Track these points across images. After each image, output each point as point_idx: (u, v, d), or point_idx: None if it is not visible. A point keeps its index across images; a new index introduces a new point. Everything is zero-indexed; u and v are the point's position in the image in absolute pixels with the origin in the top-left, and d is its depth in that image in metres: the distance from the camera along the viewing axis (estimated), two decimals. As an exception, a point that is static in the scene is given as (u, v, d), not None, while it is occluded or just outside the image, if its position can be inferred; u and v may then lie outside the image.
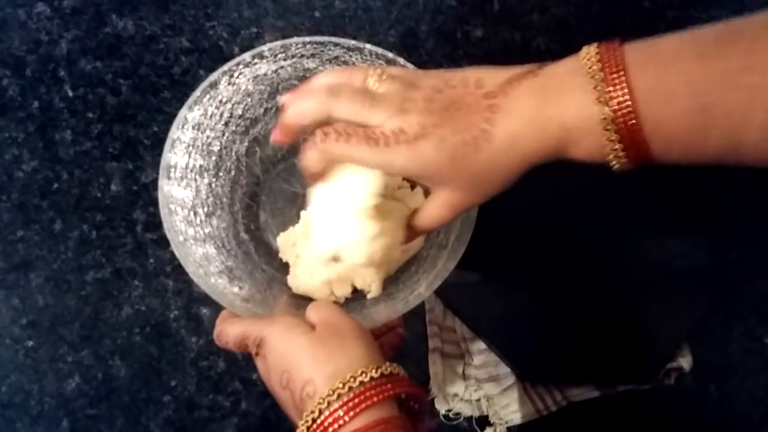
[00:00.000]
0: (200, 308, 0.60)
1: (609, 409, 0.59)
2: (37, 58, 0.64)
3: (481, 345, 0.60)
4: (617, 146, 0.34)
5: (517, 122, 0.36)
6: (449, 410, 0.59)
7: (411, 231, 0.44)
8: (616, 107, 0.33)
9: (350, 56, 0.54)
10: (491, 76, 0.38)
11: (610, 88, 0.33)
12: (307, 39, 0.53)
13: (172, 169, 0.51)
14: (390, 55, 0.53)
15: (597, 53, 0.35)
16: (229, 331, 0.44)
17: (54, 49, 0.65)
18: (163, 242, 0.61)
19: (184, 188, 0.52)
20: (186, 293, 0.60)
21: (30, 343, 0.59)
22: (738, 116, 0.32)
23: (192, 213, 0.53)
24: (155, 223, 0.61)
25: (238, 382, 0.59)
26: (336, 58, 0.54)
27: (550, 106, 0.35)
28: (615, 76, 0.33)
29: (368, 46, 0.53)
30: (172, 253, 0.59)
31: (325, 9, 0.67)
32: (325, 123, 0.40)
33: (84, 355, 0.59)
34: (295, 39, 0.53)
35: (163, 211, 0.49)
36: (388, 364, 0.38)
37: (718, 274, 0.62)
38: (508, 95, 0.36)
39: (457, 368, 0.60)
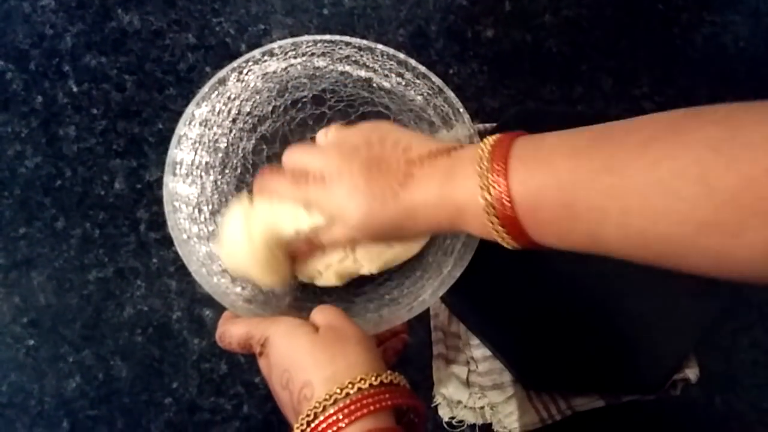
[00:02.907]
0: (203, 309, 0.59)
1: (614, 419, 0.59)
2: (41, 52, 0.64)
3: (485, 352, 0.60)
4: (499, 228, 0.38)
5: (422, 193, 0.41)
6: (453, 417, 0.58)
7: (308, 242, 0.48)
8: (496, 195, 0.37)
9: (361, 56, 0.53)
10: (420, 145, 0.43)
11: (492, 179, 0.38)
12: (318, 38, 0.52)
13: (178, 166, 0.50)
14: (401, 56, 0.52)
15: (491, 145, 0.39)
16: (232, 332, 0.43)
17: (58, 43, 0.64)
18: (167, 242, 0.60)
19: (190, 185, 0.52)
20: (189, 294, 0.60)
21: (31, 342, 0.58)
22: (597, 212, 0.34)
23: (197, 210, 0.52)
24: (159, 223, 0.61)
25: (240, 385, 0.58)
26: (347, 57, 0.53)
27: (450, 187, 0.40)
28: (498, 168, 0.38)
29: (380, 46, 0.52)
30: (176, 253, 0.59)
31: (333, 6, 0.67)
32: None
33: (85, 355, 0.58)
34: (306, 37, 0.52)
35: (168, 208, 0.48)
36: (388, 372, 0.38)
37: (726, 284, 0.61)
38: (424, 168, 0.42)
39: (461, 375, 0.59)
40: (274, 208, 0.47)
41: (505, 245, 0.40)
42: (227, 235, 0.48)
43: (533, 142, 0.39)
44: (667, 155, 0.32)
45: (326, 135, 0.48)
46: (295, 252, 0.49)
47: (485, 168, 0.38)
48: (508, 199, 0.37)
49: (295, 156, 0.47)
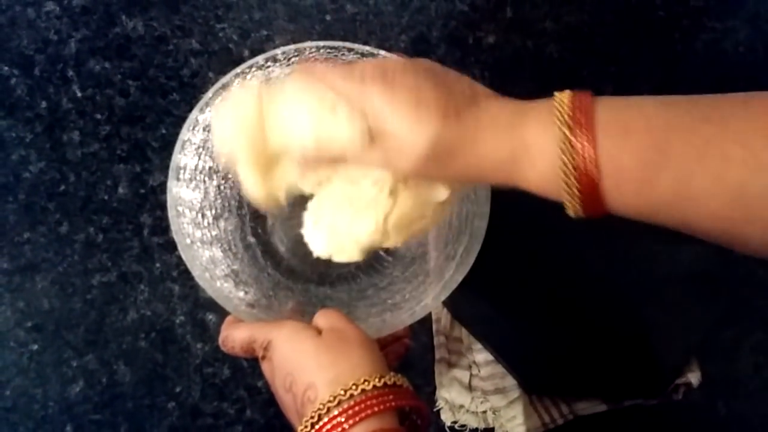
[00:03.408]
0: (206, 314, 0.60)
1: (616, 423, 0.59)
2: (45, 57, 0.64)
3: (488, 356, 0.60)
4: (571, 174, 0.34)
5: (486, 121, 0.37)
6: (455, 422, 0.59)
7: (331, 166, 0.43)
8: (576, 132, 0.34)
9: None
10: (484, 88, 0.40)
11: (574, 115, 0.34)
12: (321, 43, 0.52)
13: (182, 171, 0.51)
14: None
15: (572, 93, 0.36)
16: (235, 336, 0.43)
17: (63, 49, 0.64)
18: (170, 246, 0.60)
19: (193, 190, 0.52)
20: (192, 299, 0.60)
21: (35, 347, 0.58)
22: (692, 161, 0.32)
23: (200, 215, 0.52)
24: (162, 227, 0.61)
25: (243, 389, 0.58)
26: (349, 63, 0.54)
27: (519, 123, 0.37)
28: (579, 106, 0.35)
29: (382, 52, 0.53)
30: (179, 258, 0.59)
31: (336, 12, 0.67)
32: None
33: (89, 360, 0.58)
34: (309, 43, 0.52)
35: (171, 213, 0.49)
36: (392, 374, 0.38)
37: (728, 288, 0.62)
38: (490, 102, 0.38)
39: (463, 379, 0.59)
40: (304, 98, 0.40)
41: (569, 204, 0.36)
42: (230, 109, 0.43)
43: (618, 98, 0.36)
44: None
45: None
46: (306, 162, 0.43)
47: (565, 111, 0.35)
48: (590, 138, 0.33)
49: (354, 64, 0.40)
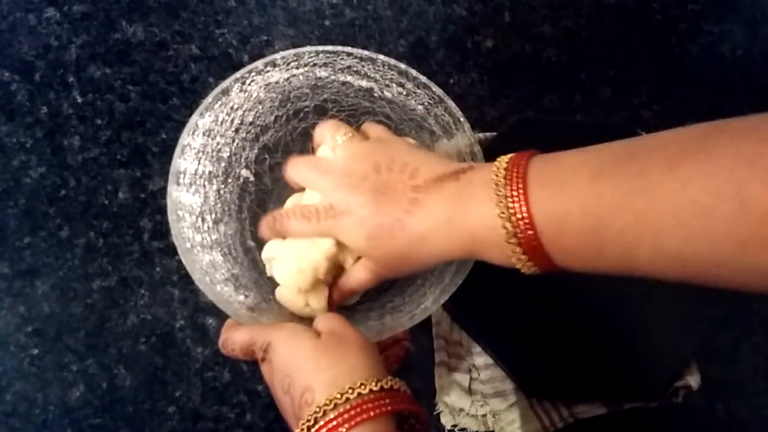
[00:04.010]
0: (206, 318, 0.60)
1: (616, 426, 0.59)
2: (46, 63, 0.64)
3: (487, 360, 0.60)
4: (522, 256, 0.37)
5: (430, 221, 0.40)
6: (455, 425, 0.58)
7: (337, 290, 0.48)
8: (516, 223, 0.36)
9: (362, 66, 0.54)
10: (427, 169, 0.42)
11: (512, 205, 0.36)
12: (320, 48, 0.53)
13: (182, 175, 0.51)
14: (402, 66, 0.53)
15: (505, 167, 0.38)
16: (235, 338, 0.43)
17: (63, 55, 0.64)
18: (170, 251, 0.60)
19: (193, 194, 0.52)
20: (192, 303, 0.60)
21: (35, 351, 0.59)
22: (629, 236, 0.33)
23: (200, 219, 0.52)
24: (162, 232, 0.61)
25: (243, 393, 0.58)
26: (348, 67, 0.54)
27: (462, 214, 0.39)
28: (516, 193, 0.36)
29: (381, 56, 0.53)
30: (179, 262, 0.59)
31: (335, 17, 0.67)
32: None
33: (89, 364, 0.58)
34: (308, 48, 0.52)
35: (171, 217, 0.49)
36: (389, 378, 0.38)
37: (727, 291, 0.62)
38: (431, 194, 0.41)
39: (463, 383, 0.59)
40: (295, 244, 0.48)
41: (526, 272, 0.39)
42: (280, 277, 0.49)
43: (551, 163, 0.37)
44: (699, 173, 0.31)
45: (333, 149, 0.48)
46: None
47: (502, 194, 0.37)
48: (530, 226, 0.36)
49: (301, 173, 0.48)
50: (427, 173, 0.42)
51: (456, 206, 0.39)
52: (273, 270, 0.51)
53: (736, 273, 0.31)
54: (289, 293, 0.49)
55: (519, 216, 0.36)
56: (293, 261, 0.47)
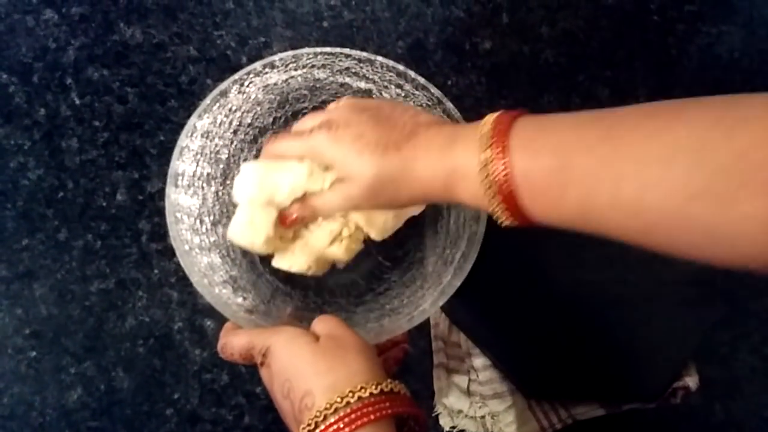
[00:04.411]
0: (204, 320, 0.60)
1: (614, 427, 0.59)
2: (44, 65, 0.64)
3: (486, 361, 0.60)
4: (492, 190, 0.38)
5: (422, 151, 0.42)
6: (453, 427, 0.59)
7: (306, 208, 0.47)
8: (491, 155, 0.38)
9: (361, 67, 0.54)
10: (429, 116, 0.45)
11: (492, 140, 0.38)
12: (318, 50, 0.53)
13: (180, 177, 0.51)
14: (401, 67, 0.53)
15: (497, 116, 0.39)
16: (234, 343, 0.43)
17: (61, 57, 0.64)
18: (168, 253, 0.60)
19: (191, 196, 0.52)
20: (190, 305, 0.60)
21: (33, 354, 0.58)
22: (590, 179, 0.34)
23: (198, 221, 0.52)
24: (160, 234, 0.61)
25: (241, 395, 0.58)
26: (347, 69, 0.54)
27: (450, 149, 0.41)
28: (499, 131, 0.38)
29: (379, 58, 0.53)
30: (177, 264, 0.59)
31: (333, 19, 0.67)
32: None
33: (87, 367, 0.58)
34: (307, 49, 0.52)
35: (170, 219, 0.49)
36: (389, 381, 0.38)
37: (724, 291, 0.62)
38: (429, 130, 0.43)
39: (461, 384, 0.59)
40: (272, 167, 0.47)
41: (497, 217, 0.40)
42: (234, 196, 0.49)
43: (539, 118, 0.39)
44: (665, 128, 0.32)
45: (337, 103, 0.49)
46: (287, 217, 0.48)
47: (486, 135, 0.38)
48: (505, 159, 0.37)
49: (305, 122, 0.48)
50: (427, 117, 0.45)
51: (448, 143, 0.41)
52: (234, 188, 0.50)
53: (683, 227, 0.32)
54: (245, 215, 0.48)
55: (495, 151, 0.38)
56: (258, 179, 0.47)
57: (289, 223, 0.48)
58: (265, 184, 0.47)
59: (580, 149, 0.35)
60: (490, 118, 0.40)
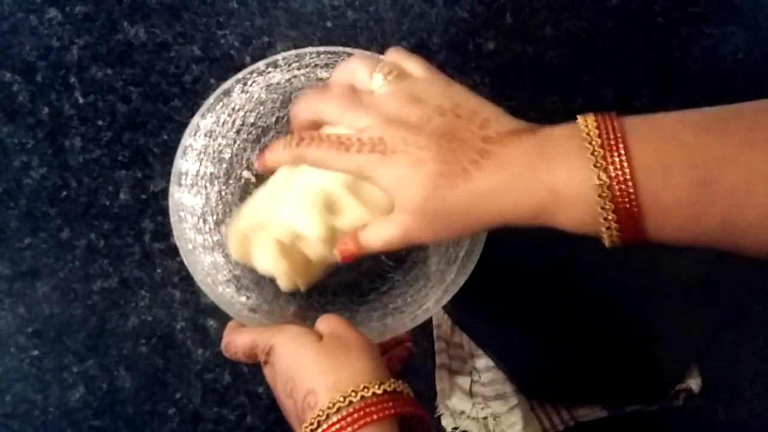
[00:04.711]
0: (207, 320, 0.60)
1: (617, 429, 0.59)
2: (47, 64, 0.64)
3: (488, 362, 0.60)
4: (610, 216, 0.33)
5: (502, 174, 0.35)
6: (456, 428, 0.58)
7: (355, 243, 0.41)
8: (613, 174, 0.32)
9: (363, 66, 0.54)
10: (498, 121, 0.37)
11: (608, 154, 0.32)
12: (322, 49, 0.52)
13: (183, 176, 0.51)
14: None
15: (595, 121, 0.34)
16: (237, 341, 0.43)
17: (65, 56, 0.64)
18: (171, 252, 0.60)
19: (195, 195, 0.52)
20: (193, 304, 0.60)
21: (35, 353, 0.58)
22: (740, 192, 0.30)
23: (201, 221, 0.52)
24: (163, 233, 0.61)
25: (244, 395, 0.58)
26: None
27: (543, 167, 0.34)
28: (613, 143, 0.32)
29: (382, 57, 0.53)
30: (180, 263, 0.59)
31: (336, 19, 0.67)
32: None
33: (89, 366, 0.58)
34: (310, 48, 0.52)
35: (173, 219, 0.49)
36: (392, 380, 0.37)
37: (728, 293, 0.62)
38: (505, 146, 0.35)
39: (464, 385, 0.59)
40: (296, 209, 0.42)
41: (607, 240, 0.34)
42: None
43: (645, 120, 0.34)
44: None
45: (385, 79, 0.39)
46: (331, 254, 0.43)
47: (596, 144, 0.33)
48: (629, 178, 0.32)
49: (330, 109, 0.40)
50: (498, 125, 0.37)
51: (536, 160, 0.35)
52: (251, 209, 0.46)
53: None
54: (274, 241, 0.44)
55: (617, 167, 0.32)
56: (300, 196, 0.42)
57: (343, 259, 0.42)
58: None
59: (722, 158, 0.31)
60: (587, 122, 0.34)
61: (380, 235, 0.39)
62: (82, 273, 0.60)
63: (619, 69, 0.68)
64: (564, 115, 0.36)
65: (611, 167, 0.32)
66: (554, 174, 0.34)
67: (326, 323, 0.42)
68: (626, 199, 0.32)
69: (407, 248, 0.57)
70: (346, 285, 0.56)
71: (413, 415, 0.38)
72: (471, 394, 0.59)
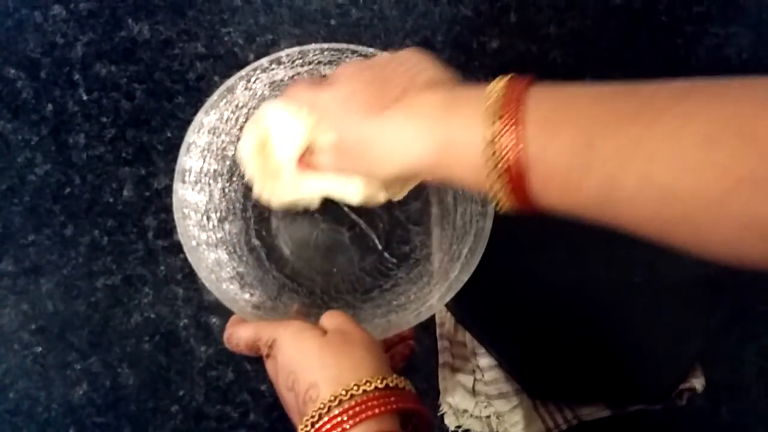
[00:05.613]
0: (210, 317, 0.60)
1: (620, 429, 0.58)
2: (51, 60, 0.64)
3: (491, 361, 0.60)
4: (495, 170, 0.33)
5: (408, 116, 0.38)
6: (459, 426, 0.58)
7: (309, 163, 0.46)
8: (499, 130, 0.33)
9: (367, 64, 0.54)
10: (437, 74, 0.40)
11: (501, 112, 0.33)
12: (325, 46, 0.53)
13: (187, 173, 0.51)
14: None
15: (507, 82, 0.35)
16: (240, 333, 0.43)
17: (69, 52, 0.64)
18: (174, 249, 0.60)
19: (198, 192, 0.52)
20: (196, 301, 0.60)
21: (38, 349, 0.58)
22: (617, 159, 0.30)
23: (205, 218, 0.52)
24: (167, 230, 0.61)
25: (247, 392, 0.58)
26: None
27: (445, 119, 0.36)
28: (512, 103, 0.33)
29: (386, 54, 0.53)
30: (183, 261, 0.59)
31: (340, 17, 0.67)
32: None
33: (92, 363, 0.58)
34: (313, 45, 0.52)
35: (177, 215, 0.49)
36: (394, 376, 0.38)
37: (731, 293, 0.61)
38: (422, 93, 0.38)
39: (467, 384, 0.59)
40: (280, 114, 0.46)
41: (499, 203, 0.35)
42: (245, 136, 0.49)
43: (555, 87, 0.35)
44: (705, 107, 0.29)
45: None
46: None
47: (494, 104, 0.34)
48: (514, 136, 0.33)
49: (296, 95, 0.46)
50: (426, 78, 0.39)
51: (441, 112, 0.37)
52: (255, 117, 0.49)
53: (720, 218, 0.28)
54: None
55: (506, 123, 0.33)
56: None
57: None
58: (277, 126, 0.47)
59: (608, 126, 0.31)
60: (499, 84, 0.35)
61: (319, 159, 0.44)
62: (86, 270, 0.60)
63: (623, 68, 0.68)
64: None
65: (500, 123, 0.33)
66: (454, 125, 0.36)
67: (330, 319, 0.42)
68: (512, 154, 0.33)
69: (410, 247, 0.57)
70: (350, 282, 0.56)
71: (415, 412, 0.38)
72: (474, 392, 0.59)
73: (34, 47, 0.64)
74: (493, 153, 0.33)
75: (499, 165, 0.33)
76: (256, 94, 0.54)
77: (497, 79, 0.35)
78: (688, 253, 0.31)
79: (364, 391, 0.36)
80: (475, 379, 0.60)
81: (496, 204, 0.35)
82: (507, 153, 0.33)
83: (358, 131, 0.39)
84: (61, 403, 0.57)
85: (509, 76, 0.35)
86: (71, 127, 0.63)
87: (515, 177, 0.33)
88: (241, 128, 0.55)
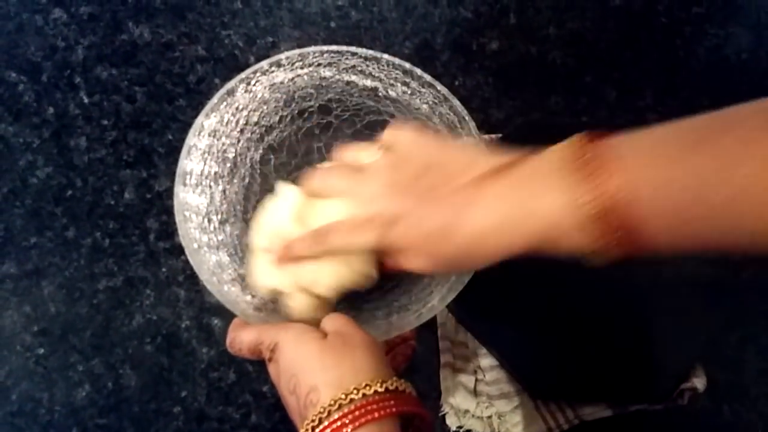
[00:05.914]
0: (211, 318, 0.60)
1: (621, 428, 0.58)
2: (53, 64, 0.64)
3: (493, 361, 0.60)
4: (609, 238, 0.33)
5: (489, 217, 0.37)
6: (460, 427, 0.58)
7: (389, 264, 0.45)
8: (606, 199, 0.33)
9: (367, 66, 0.54)
10: (482, 161, 0.40)
11: (599, 181, 0.33)
12: (325, 48, 0.53)
13: (188, 176, 0.51)
14: (407, 65, 0.53)
15: (580, 145, 0.35)
16: (242, 337, 0.43)
17: (70, 56, 0.65)
18: (176, 251, 0.61)
19: (199, 195, 0.52)
20: (197, 303, 0.60)
21: (41, 351, 0.59)
22: (734, 207, 0.30)
23: (206, 220, 0.52)
24: (168, 232, 0.61)
25: (249, 394, 0.58)
26: (353, 67, 0.54)
27: (533, 200, 0.36)
28: (601, 168, 0.33)
29: (385, 56, 0.53)
30: (185, 263, 0.60)
31: (340, 19, 0.67)
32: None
33: (94, 364, 0.58)
34: (313, 48, 0.53)
35: (178, 218, 0.49)
36: (395, 379, 0.38)
37: (733, 293, 0.62)
38: (486, 189, 0.38)
39: (468, 384, 0.59)
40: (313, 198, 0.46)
41: (601, 260, 0.35)
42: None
43: (633, 139, 0.34)
44: None
45: (366, 158, 0.45)
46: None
47: (585, 172, 0.33)
48: (622, 203, 0.32)
49: (337, 185, 0.45)
50: (483, 164, 0.39)
51: (519, 195, 0.36)
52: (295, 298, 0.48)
53: None
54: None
55: (610, 193, 0.32)
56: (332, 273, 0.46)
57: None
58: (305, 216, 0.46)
59: (718, 173, 0.30)
60: (568, 148, 0.35)
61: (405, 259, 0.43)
62: (88, 272, 0.60)
63: (622, 69, 0.68)
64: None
65: (604, 194, 0.32)
66: (547, 206, 0.35)
67: (331, 322, 0.42)
68: (622, 222, 0.32)
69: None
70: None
71: (415, 414, 0.38)
72: (475, 392, 0.59)
73: (35, 51, 0.65)
74: (603, 221, 0.33)
75: (611, 231, 0.33)
76: (256, 97, 0.54)
77: (567, 141, 0.35)
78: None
79: (364, 395, 0.36)
80: (476, 380, 0.60)
81: (594, 256, 0.35)
82: (617, 221, 0.32)
83: (449, 255, 0.40)
84: (64, 404, 0.58)
85: (574, 138, 0.35)
86: (72, 130, 0.63)
87: (629, 238, 0.33)
88: (241, 131, 0.55)
